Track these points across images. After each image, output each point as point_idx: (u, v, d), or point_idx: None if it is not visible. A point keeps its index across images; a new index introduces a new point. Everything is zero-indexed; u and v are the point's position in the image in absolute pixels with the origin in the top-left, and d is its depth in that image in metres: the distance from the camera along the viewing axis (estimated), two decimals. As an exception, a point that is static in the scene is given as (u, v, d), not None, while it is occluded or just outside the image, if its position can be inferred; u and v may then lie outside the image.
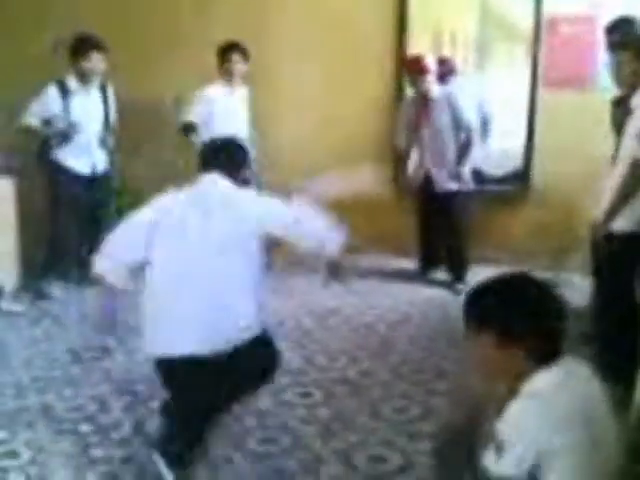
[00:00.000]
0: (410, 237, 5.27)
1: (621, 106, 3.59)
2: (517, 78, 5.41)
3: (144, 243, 2.69)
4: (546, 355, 1.89)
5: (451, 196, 4.93)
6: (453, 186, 4.91)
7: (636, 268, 3.38)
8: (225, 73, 5.02)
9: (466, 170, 4.92)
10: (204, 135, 4.96)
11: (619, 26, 4.23)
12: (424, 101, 4.92)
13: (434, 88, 4.89)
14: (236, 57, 4.98)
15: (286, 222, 2.74)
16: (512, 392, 1.92)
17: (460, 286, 4.84)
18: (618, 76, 3.47)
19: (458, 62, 5.45)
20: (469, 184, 4.95)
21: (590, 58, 4.78)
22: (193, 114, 4.96)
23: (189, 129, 4.95)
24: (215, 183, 2.81)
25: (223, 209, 2.71)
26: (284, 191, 5.56)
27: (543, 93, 5.21)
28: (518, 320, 1.90)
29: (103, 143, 4.81)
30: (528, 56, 5.28)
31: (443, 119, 4.88)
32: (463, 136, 4.90)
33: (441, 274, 5.20)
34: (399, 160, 5.32)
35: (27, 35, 5.16)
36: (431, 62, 4.90)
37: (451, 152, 4.92)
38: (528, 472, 1.83)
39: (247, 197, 2.84)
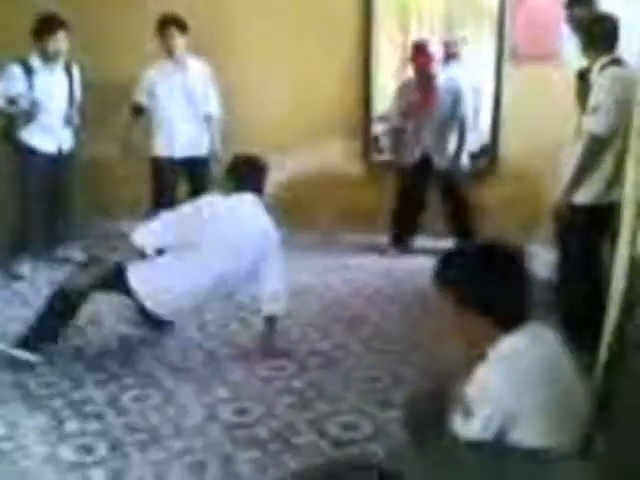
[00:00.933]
0: (380, 212, 5.30)
1: (584, 79, 3.65)
2: (485, 54, 5.44)
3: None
4: (511, 321, 1.94)
5: (450, 175, 5.09)
6: (451, 167, 5.08)
7: (598, 240, 3.46)
8: (164, 50, 4.90)
9: (464, 157, 5.11)
10: (160, 115, 4.98)
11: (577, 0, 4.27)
12: (429, 86, 4.98)
13: (439, 73, 4.99)
14: (173, 32, 4.82)
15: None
16: (480, 358, 1.98)
17: None
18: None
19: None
20: (466, 167, 5.17)
21: (556, 32, 4.81)
22: (140, 94, 4.95)
23: (137, 110, 4.97)
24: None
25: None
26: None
27: (510, 68, 5.24)
28: (477, 285, 1.95)
29: (68, 122, 4.78)
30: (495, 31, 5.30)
31: (447, 104, 4.99)
32: (459, 124, 5.04)
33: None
34: (394, 140, 5.31)
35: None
36: (437, 47, 5.02)
37: (451, 136, 5.06)
38: (496, 433, 1.88)
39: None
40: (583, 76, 3.75)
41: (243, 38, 5.43)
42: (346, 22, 5.41)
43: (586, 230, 3.42)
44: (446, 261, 2.06)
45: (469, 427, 1.89)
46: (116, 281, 3.34)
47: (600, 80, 3.26)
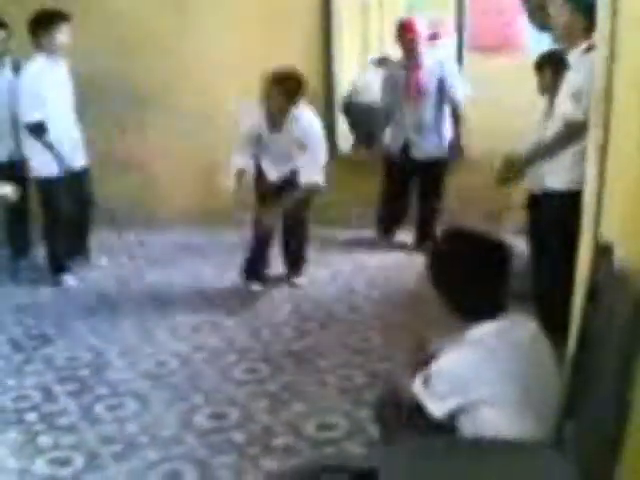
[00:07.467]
0: (350, 208, 5.28)
1: (548, 67, 3.63)
2: (448, 45, 5.46)
3: None
4: (484, 310, 1.98)
5: (431, 163, 4.99)
6: (432, 153, 4.98)
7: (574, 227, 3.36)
8: (49, 45, 4.26)
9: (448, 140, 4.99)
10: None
11: None
12: (415, 67, 4.90)
13: (425, 53, 4.89)
14: (65, 27, 4.27)
15: None
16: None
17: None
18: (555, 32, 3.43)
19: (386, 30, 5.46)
20: (446, 152, 5.03)
21: (517, 22, 4.85)
22: (34, 109, 4.24)
23: (39, 130, 4.28)
24: None
25: None
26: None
27: (471, 58, 5.27)
28: (448, 273, 2.02)
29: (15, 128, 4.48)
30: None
31: (431, 86, 4.90)
32: (451, 107, 4.94)
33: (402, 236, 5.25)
34: (380, 123, 5.17)
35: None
36: (423, 26, 4.86)
37: (433, 120, 4.96)
38: (451, 415, 1.96)
39: None
40: (543, 65, 3.75)
41: (202, 36, 5.40)
42: (305, 21, 5.38)
43: (563, 217, 3.18)
44: (432, 248, 2.20)
45: (426, 396, 1.97)
46: None
47: (580, 65, 3.02)
